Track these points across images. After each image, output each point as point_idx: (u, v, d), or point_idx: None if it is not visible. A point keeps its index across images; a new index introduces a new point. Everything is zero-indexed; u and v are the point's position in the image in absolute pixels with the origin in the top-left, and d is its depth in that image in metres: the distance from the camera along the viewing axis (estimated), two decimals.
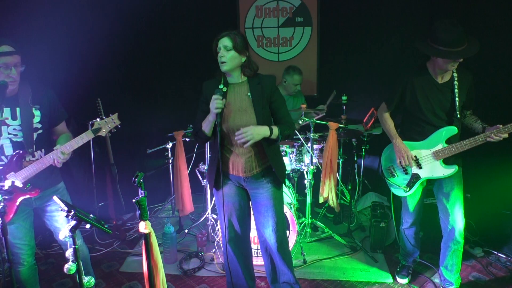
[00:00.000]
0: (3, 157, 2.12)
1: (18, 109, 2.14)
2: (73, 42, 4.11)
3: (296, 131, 3.53)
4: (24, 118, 2.14)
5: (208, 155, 3.53)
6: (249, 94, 2.22)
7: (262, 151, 2.27)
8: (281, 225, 2.39)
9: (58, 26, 3.99)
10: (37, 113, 2.19)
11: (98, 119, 2.26)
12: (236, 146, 2.25)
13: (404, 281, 2.94)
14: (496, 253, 3.28)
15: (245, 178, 2.31)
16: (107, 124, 2.25)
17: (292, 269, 2.50)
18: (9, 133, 2.12)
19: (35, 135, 2.19)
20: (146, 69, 4.55)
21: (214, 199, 3.56)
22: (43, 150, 2.24)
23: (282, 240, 2.40)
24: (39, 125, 2.21)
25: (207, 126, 2.22)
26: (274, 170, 2.29)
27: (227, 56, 2.16)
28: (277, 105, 2.28)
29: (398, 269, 3.03)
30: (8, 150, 2.13)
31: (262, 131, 2.14)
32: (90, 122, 3.49)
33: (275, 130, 2.19)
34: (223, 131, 2.23)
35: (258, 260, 2.97)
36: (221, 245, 3.13)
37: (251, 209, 2.48)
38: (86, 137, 2.19)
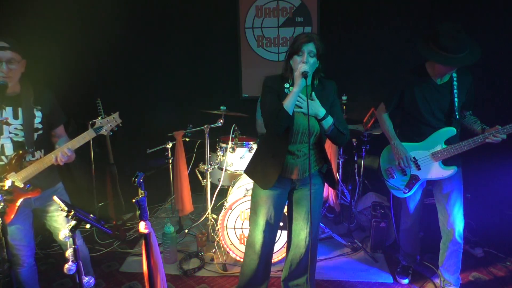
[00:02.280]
0: (3, 157, 2.12)
1: (20, 109, 2.14)
2: (73, 42, 4.12)
3: None
4: (26, 118, 2.14)
5: (208, 155, 3.53)
6: (315, 98, 2.18)
7: (317, 154, 2.28)
8: (317, 229, 2.42)
9: (58, 26, 4.00)
10: (38, 114, 2.20)
11: (99, 118, 2.26)
12: (295, 149, 2.22)
13: (404, 281, 2.94)
14: (496, 253, 3.28)
15: (295, 180, 2.30)
16: (108, 123, 2.25)
17: (313, 274, 2.49)
18: (10, 132, 2.13)
19: (35, 135, 2.19)
20: (146, 69, 4.55)
21: (214, 199, 3.61)
22: (42, 151, 2.24)
23: (315, 243, 2.42)
24: (40, 126, 2.21)
25: (290, 99, 2.07)
26: (328, 171, 2.32)
27: (311, 62, 2.11)
28: (336, 109, 2.27)
29: (398, 269, 3.03)
30: (9, 150, 2.13)
31: (318, 108, 2.13)
32: (91, 122, 3.50)
33: (330, 118, 2.17)
34: (290, 130, 2.17)
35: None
36: (222, 245, 3.15)
37: (288, 209, 2.49)
38: (87, 136, 2.19)
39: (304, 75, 2.02)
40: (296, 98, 2.08)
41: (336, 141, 2.30)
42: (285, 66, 2.22)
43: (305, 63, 2.08)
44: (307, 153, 2.22)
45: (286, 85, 2.20)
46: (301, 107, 2.12)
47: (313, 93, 2.17)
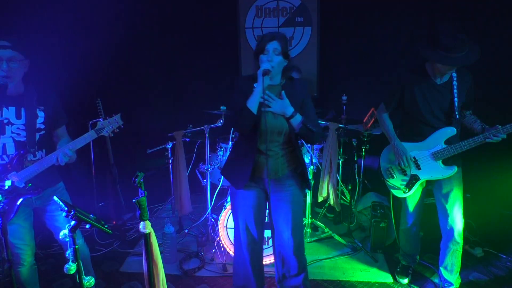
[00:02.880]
0: (4, 156, 2.13)
1: (23, 109, 2.15)
2: (73, 42, 4.12)
3: None
4: (28, 118, 2.15)
5: (208, 155, 3.53)
6: (284, 97, 2.19)
7: (289, 154, 2.28)
8: (300, 230, 2.38)
9: (58, 26, 4.00)
10: (40, 114, 2.20)
11: (101, 119, 2.26)
12: (266, 148, 2.22)
13: (404, 281, 2.94)
14: (496, 253, 3.28)
15: (268, 181, 2.29)
16: (110, 125, 2.25)
17: (305, 275, 2.46)
18: (12, 132, 2.13)
19: (37, 135, 2.20)
20: (146, 69, 4.56)
21: (214, 199, 3.61)
22: (44, 151, 2.24)
23: (299, 244, 2.38)
24: (42, 126, 2.22)
25: (252, 98, 2.09)
26: (301, 172, 2.30)
27: (276, 60, 2.12)
28: (307, 109, 2.27)
29: (398, 269, 3.03)
30: (10, 149, 2.14)
31: (286, 107, 2.14)
32: (91, 122, 3.49)
33: (299, 116, 2.17)
34: (258, 130, 2.17)
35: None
36: (222, 245, 3.15)
37: (269, 212, 2.45)
38: (89, 137, 2.19)
39: (265, 72, 2.05)
40: (258, 96, 2.09)
41: (307, 139, 2.31)
42: (254, 66, 2.21)
43: (269, 61, 2.09)
44: (278, 152, 2.22)
45: (255, 85, 2.17)
46: (270, 106, 2.14)
47: (283, 92, 2.18)
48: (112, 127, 2.26)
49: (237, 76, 4.53)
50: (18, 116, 2.14)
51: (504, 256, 3.23)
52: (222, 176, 3.61)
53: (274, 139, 2.22)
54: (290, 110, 2.15)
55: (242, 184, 2.27)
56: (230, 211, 3.06)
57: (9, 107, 2.12)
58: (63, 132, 2.36)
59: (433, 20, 3.95)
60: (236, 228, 2.42)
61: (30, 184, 2.12)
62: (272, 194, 2.34)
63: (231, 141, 3.49)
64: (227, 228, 3.10)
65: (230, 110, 2.23)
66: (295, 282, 2.45)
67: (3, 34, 2.08)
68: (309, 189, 2.44)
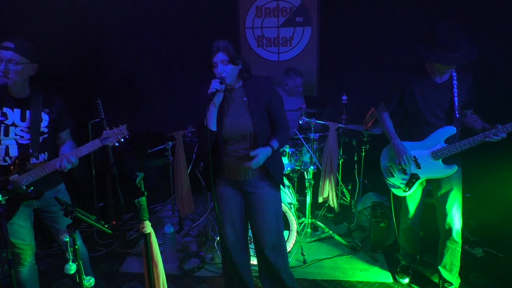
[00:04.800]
0: (7, 158, 2.13)
1: (28, 112, 2.15)
2: (73, 42, 4.12)
3: (296, 131, 3.53)
4: (33, 121, 2.15)
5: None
6: (245, 98, 2.21)
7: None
8: (275, 229, 2.36)
9: (58, 26, 4.00)
10: (45, 117, 2.21)
11: (106, 129, 2.25)
12: (233, 150, 2.24)
13: (404, 281, 2.94)
14: (496, 253, 3.28)
15: (241, 182, 2.31)
16: (116, 135, 2.24)
17: (286, 273, 2.47)
18: (16, 134, 2.13)
19: (41, 138, 2.20)
20: (146, 69, 4.56)
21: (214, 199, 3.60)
22: (46, 153, 2.24)
23: (275, 244, 2.37)
24: (46, 130, 2.22)
25: (210, 117, 2.13)
26: (271, 173, 2.28)
27: (227, 70, 2.13)
28: (274, 108, 2.26)
29: (398, 269, 3.03)
30: (13, 152, 2.14)
31: (266, 153, 2.14)
32: (91, 122, 3.50)
33: (275, 145, 2.20)
34: (222, 135, 2.20)
35: (254, 260, 2.95)
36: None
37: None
38: (94, 145, 2.19)
39: (212, 95, 2.06)
40: (214, 114, 2.13)
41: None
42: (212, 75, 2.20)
43: (219, 74, 2.10)
44: (246, 154, 2.20)
45: (212, 104, 2.14)
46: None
47: (245, 99, 2.19)
48: (117, 137, 2.24)
49: None
50: (23, 119, 2.15)
51: (504, 256, 3.23)
52: None
53: (240, 141, 2.23)
54: (269, 150, 2.16)
55: (209, 188, 2.28)
56: None
57: (14, 109, 2.12)
58: (67, 136, 2.36)
59: (433, 19, 3.96)
60: (219, 225, 2.44)
61: (31, 188, 2.12)
62: (247, 195, 2.36)
63: None
64: None
65: (195, 124, 2.25)
66: (275, 280, 2.47)
67: (11, 37, 2.08)
68: (283, 185, 2.46)
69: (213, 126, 2.16)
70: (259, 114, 2.21)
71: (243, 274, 2.51)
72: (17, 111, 2.13)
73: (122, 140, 2.27)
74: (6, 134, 2.11)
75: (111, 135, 2.23)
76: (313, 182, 3.48)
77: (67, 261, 1.71)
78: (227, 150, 2.26)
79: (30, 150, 2.14)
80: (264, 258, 2.42)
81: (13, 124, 2.12)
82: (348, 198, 3.92)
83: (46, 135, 2.23)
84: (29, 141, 2.15)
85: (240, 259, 2.47)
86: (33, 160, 2.16)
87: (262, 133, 2.23)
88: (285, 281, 2.45)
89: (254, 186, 2.30)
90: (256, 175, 2.28)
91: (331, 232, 3.53)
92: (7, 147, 2.12)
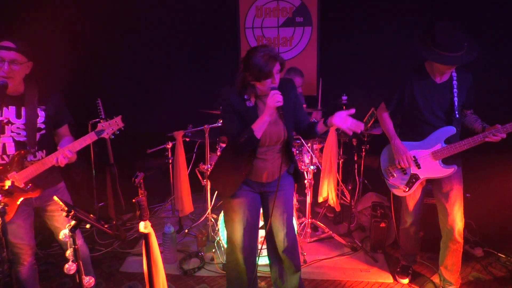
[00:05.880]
0: (4, 156, 2.13)
1: (23, 109, 2.15)
2: (73, 42, 4.12)
3: None
4: (29, 118, 2.15)
5: (208, 155, 3.53)
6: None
7: (284, 155, 2.28)
8: (293, 229, 2.39)
9: (58, 26, 4.00)
10: (41, 113, 2.20)
11: (101, 121, 2.25)
12: (263, 153, 2.21)
13: (404, 281, 2.94)
14: (496, 253, 3.28)
15: (265, 184, 2.29)
16: (110, 126, 2.24)
17: (299, 274, 2.46)
18: (12, 132, 2.13)
19: (38, 135, 2.19)
20: (146, 69, 4.55)
21: (214, 199, 3.60)
22: (44, 151, 2.24)
23: (294, 243, 2.38)
24: (43, 126, 2.21)
25: (261, 128, 2.04)
26: (295, 171, 2.34)
27: (277, 80, 2.06)
28: (299, 108, 2.28)
29: (398, 269, 3.03)
30: (10, 149, 2.14)
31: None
32: (91, 122, 3.50)
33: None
34: (259, 142, 2.15)
35: (261, 261, 2.95)
36: (222, 245, 3.15)
37: (264, 213, 2.47)
38: (89, 139, 2.19)
39: (279, 110, 1.98)
40: (265, 125, 2.05)
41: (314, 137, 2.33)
42: (243, 83, 2.10)
43: (273, 84, 2.02)
44: (275, 156, 2.22)
45: (246, 97, 2.14)
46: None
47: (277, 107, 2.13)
48: (112, 129, 2.25)
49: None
50: (18, 116, 2.14)
51: (504, 256, 3.23)
52: None
53: (271, 146, 2.22)
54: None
55: (229, 193, 2.25)
56: None
57: (9, 107, 2.12)
58: (65, 132, 2.35)
59: (434, 19, 3.96)
60: (231, 232, 2.36)
61: (29, 186, 2.12)
62: (270, 196, 2.34)
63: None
64: None
65: (228, 132, 2.17)
66: (291, 281, 2.45)
67: (8, 35, 2.08)
68: (299, 182, 2.46)
69: (259, 135, 2.07)
70: (290, 118, 2.20)
71: (250, 280, 2.46)
72: (12, 109, 2.13)
73: (118, 132, 2.27)
74: (2, 132, 2.10)
75: (105, 127, 2.22)
76: (313, 182, 3.48)
77: (67, 261, 1.71)
78: (259, 155, 2.21)
79: (27, 147, 2.14)
80: (281, 259, 2.40)
81: (9, 122, 2.12)
82: (348, 198, 3.92)
83: (43, 131, 2.22)
84: (25, 138, 2.15)
85: (250, 265, 2.42)
86: (30, 158, 2.16)
87: (291, 136, 2.27)
88: (297, 281, 2.45)
89: (280, 185, 2.27)
90: (280, 175, 2.23)
91: (331, 232, 3.53)
92: (4, 145, 2.11)
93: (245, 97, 2.14)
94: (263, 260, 2.94)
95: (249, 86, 2.11)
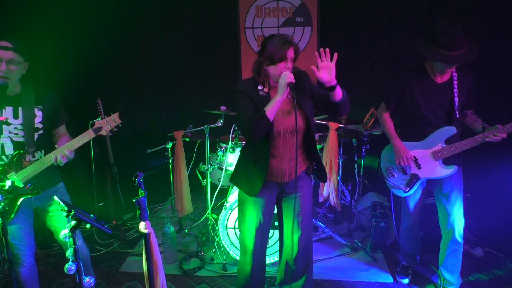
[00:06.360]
0: (3, 157, 2.12)
1: (20, 109, 2.14)
2: (73, 42, 4.11)
3: None
4: (26, 118, 2.14)
5: (208, 155, 3.53)
6: (289, 96, 2.16)
7: (304, 153, 2.26)
8: (309, 231, 2.36)
9: (58, 26, 4.00)
10: (39, 113, 2.20)
11: (98, 118, 2.25)
12: (280, 150, 2.17)
13: (404, 281, 2.94)
14: (496, 253, 3.28)
15: (282, 183, 2.26)
16: (108, 123, 2.24)
17: (309, 275, 2.43)
18: (10, 132, 2.12)
19: (36, 135, 2.19)
20: (146, 69, 4.55)
21: (214, 199, 3.60)
22: (43, 151, 2.24)
23: (308, 244, 2.36)
24: (40, 125, 2.21)
25: (273, 108, 2.01)
26: (317, 169, 2.30)
27: (291, 67, 2.08)
28: (317, 91, 2.24)
29: (398, 269, 3.03)
30: (9, 150, 2.13)
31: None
32: (91, 122, 3.49)
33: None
34: (273, 132, 2.12)
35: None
36: (222, 245, 3.15)
37: (278, 214, 2.44)
38: (87, 136, 2.19)
39: (291, 86, 1.99)
40: (278, 106, 2.03)
41: (344, 109, 2.20)
42: (258, 70, 2.13)
43: (287, 68, 2.05)
44: (293, 154, 2.18)
45: (260, 87, 2.15)
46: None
47: (290, 97, 2.15)
48: (110, 126, 2.24)
49: (237, 76, 4.53)
50: (15, 116, 2.13)
51: (504, 256, 3.23)
52: (222, 177, 3.64)
53: (287, 141, 2.17)
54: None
55: (255, 192, 2.21)
56: (230, 210, 3.06)
57: (6, 107, 2.12)
58: (63, 131, 2.35)
59: (434, 19, 3.95)
60: (244, 234, 2.35)
61: (29, 185, 2.12)
62: (286, 196, 2.32)
63: (231, 141, 3.49)
64: (227, 228, 3.10)
65: (240, 118, 2.14)
66: (299, 283, 2.44)
67: (6, 35, 2.08)
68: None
69: (272, 117, 2.03)
70: (308, 107, 2.18)
71: (260, 280, 2.47)
72: (9, 109, 2.12)
73: (115, 129, 2.26)
74: (0, 132, 2.10)
75: (103, 124, 2.22)
76: (313, 182, 3.47)
77: (67, 261, 1.71)
78: (274, 151, 2.18)
79: (26, 148, 2.14)
80: (292, 260, 2.38)
81: (6, 122, 2.11)
82: (348, 198, 3.92)
83: (41, 131, 2.21)
84: (23, 139, 2.14)
85: (260, 267, 2.42)
86: (29, 158, 2.16)
87: (310, 130, 2.20)
88: (309, 279, 2.43)
89: (297, 187, 2.25)
90: (297, 176, 2.21)
91: (331, 232, 3.53)
92: (2, 145, 2.12)
93: (259, 87, 2.16)
94: (267, 259, 2.94)
95: (263, 72, 2.13)
